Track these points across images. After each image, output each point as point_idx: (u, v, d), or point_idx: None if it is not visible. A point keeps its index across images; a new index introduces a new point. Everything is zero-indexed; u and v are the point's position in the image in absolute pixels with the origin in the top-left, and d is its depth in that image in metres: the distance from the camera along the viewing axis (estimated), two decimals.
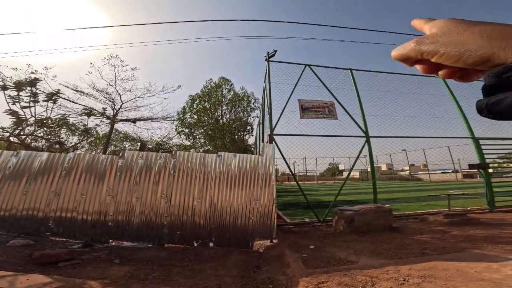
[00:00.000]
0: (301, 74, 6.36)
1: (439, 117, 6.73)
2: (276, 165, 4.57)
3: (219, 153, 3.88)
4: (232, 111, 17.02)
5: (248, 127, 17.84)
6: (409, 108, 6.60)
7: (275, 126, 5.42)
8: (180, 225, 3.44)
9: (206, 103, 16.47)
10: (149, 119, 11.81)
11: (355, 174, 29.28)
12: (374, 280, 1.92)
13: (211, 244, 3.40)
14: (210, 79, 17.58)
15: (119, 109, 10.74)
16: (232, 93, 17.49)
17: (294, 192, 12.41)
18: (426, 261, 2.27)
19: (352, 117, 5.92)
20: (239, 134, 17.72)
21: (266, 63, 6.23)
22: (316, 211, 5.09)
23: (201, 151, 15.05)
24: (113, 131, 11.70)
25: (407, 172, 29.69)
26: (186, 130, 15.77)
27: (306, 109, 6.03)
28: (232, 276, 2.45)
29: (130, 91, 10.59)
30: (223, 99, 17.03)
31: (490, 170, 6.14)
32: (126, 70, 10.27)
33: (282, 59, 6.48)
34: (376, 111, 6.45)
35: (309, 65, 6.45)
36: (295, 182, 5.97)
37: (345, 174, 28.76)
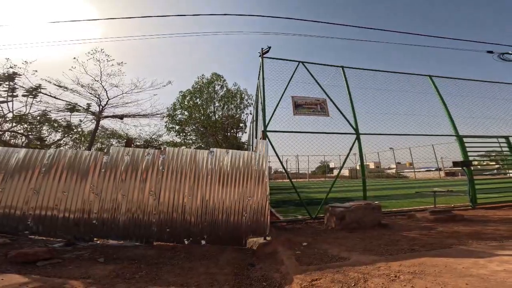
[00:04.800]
0: (295, 71, 6.33)
1: (426, 115, 6.84)
2: (269, 162, 4.56)
3: (211, 149, 3.80)
4: (225, 108, 16.74)
5: (241, 124, 17.69)
6: (398, 106, 6.69)
7: (268, 123, 5.39)
8: (169, 222, 3.36)
9: (198, 99, 16.15)
10: (137, 115, 11.46)
11: (345, 172, 29.83)
12: (366, 277, 1.92)
13: (203, 242, 3.34)
14: (202, 75, 17.23)
15: (105, 105, 10.36)
16: (224, 89, 17.20)
17: (287, 190, 12.51)
18: (415, 257, 2.31)
19: (343, 114, 5.98)
20: (232, 131, 17.57)
21: (260, 59, 6.16)
22: (308, 208, 5.12)
23: (192, 148, 14.89)
24: (99, 128, 11.27)
25: (393, 170, 30.62)
26: (177, 127, 15.43)
27: (299, 106, 6.03)
28: (225, 274, 2.40)
29: (116, 86, 10.21)
30: (216, 96, 16.74)
31: (477, 167, 6.40)
32: (112, 65, 9.88)
33: (275, 56, 6.43)
34: (366, 108, 6.51)
35: (302, 62, 6.45)
36: (288, 180, 5.97)
37: (335, 172, 29.27)
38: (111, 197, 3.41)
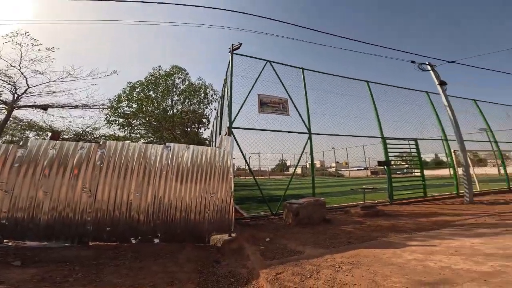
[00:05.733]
0: (262, 70, 6.53)
1: (361, 118, 7.66)
2: (234, 158, 4.65)
3: (167, 144, 3.63)
4: (186, 102, 15.92)
5: (204, 120, 17.24)
6: (340, 109, 7.44)
7: (234, 119, 5.42)
8: (110, 221, 3.13)
9: (152, 92, 14.88)
10: (68, 106, 10.06)
11: (298, 170, 32.47)
12: (318, 269, 2.25)
13: (156, 241, 3.21)
14: (159, 66, 15.96)
15: (22, 93, 8.79)
16: (186, 83, 16.32)
17: (249, 187, 12.94)
18: (352, 249, 2.79)
19: (299, 114, 6.47)
20: (193, 126, 16.89)
21: (230, 55, 6.10)
22: (269, 204, 5.42)
23: (141, 142, 13.74)
24: (12, 118, 9.68)
25: (334, 169, 35.03)
26: (120, 120, 13.89)
27: (265, 104, 6.29)
28: (187, 272, 2.38)
29: (42, 73, 8.74)
30: (175, 89, 15.71)
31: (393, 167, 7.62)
32: (39, 50, 8.39)
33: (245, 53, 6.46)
34: (316, 109, 7.04)
35: (270, 61, 6.69)
36: (250, 177, 6.21)
37: (291, 170, 31.47)
38: (28, 195, 2.99)
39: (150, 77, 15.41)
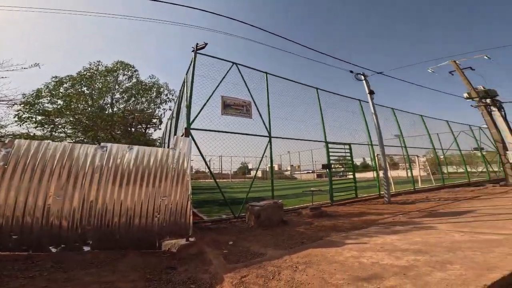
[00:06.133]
0: (228, 72, 6.60)
1: (311, 123, 8.37)
2: (192, 160, 4.63)
3: (103, 144, 3.44)
4: (131, 101, 14.92)
5: (155, 120, 16.46)
6: (295, 113, 8.03)
7: (193, 120, 5.35)
8: (18, 228, 2.83)
9: (85, 88, 13.44)
10: None
11: (259, 173, 33.36)
12: (279, 270, 2.49)
13: (86, 248, 3.01)
14: (99, 61, 14.56)
15: None
16: (134, 80, 15.40)
17: (210, 190, 12.72)
18: (305, 249, 3.14)
19: (261, 117, 6.78)
20: (139, 127, 15.88)
21: (193, 54, 5.97)
22: (232, 207, 5.50)
23: (67, 142, 12.29)
24: None
25: (289, 172, 37.48)
26: (39, 118, 12.00)
27: (228, 106, 6.39)
28: (132, 281, 2.26)
29: None
30: (117, 86, 14.56)
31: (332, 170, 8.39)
32: None
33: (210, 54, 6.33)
34: (276, 113, 7.42)
35: (236, 64, 6.79)
36: (210, 179, 6.23)
37: (252, 173, 32.00)
38: None
39: (85, 72, 13.99)
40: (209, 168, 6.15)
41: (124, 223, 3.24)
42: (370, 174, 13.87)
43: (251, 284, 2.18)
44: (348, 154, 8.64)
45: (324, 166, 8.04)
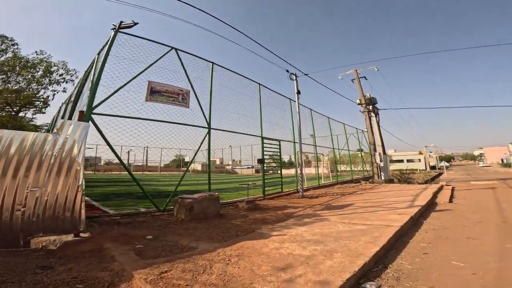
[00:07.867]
0: (163, 55, 5.93)
1: (252, 117, 8.62)
2: (91, 148, 3.92)
3: None
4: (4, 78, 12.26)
5: (38, 103, 14.05)
6: (238, 108, 8.15)
7: (98, 104, 4.58)
8: None
9: None
10: None
11: (198, 166, 31.52)
12: (211, 263, 2.44)
13: None
14: None
15: None
16: (10, 55, 12.81)
17: (126, 182, 11.19)
18: (239, 242, 3.18)
19: (201, 107, 6.48)
20: (11, 110, 13.34)
21: (112, 32, 5.10)
22: (155, 200, 5.13)
23: None
24: None
25: (230, 167, 37.47)
26: None
27: (157, 92, 5.73)
28: None
29: None
30: None
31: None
32: None
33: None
34: (220, 106, 7.38)
35: (176, 49, 6.18)
36: (133, 172, 5.59)
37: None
38: None
39: None
40: (119, 158, 5.35)
41: None
42: (293, 171, 15.08)
43: (174, 280, 2.02)
44: (278, 150, 9.25)
45: (259, 161, 8.42)
